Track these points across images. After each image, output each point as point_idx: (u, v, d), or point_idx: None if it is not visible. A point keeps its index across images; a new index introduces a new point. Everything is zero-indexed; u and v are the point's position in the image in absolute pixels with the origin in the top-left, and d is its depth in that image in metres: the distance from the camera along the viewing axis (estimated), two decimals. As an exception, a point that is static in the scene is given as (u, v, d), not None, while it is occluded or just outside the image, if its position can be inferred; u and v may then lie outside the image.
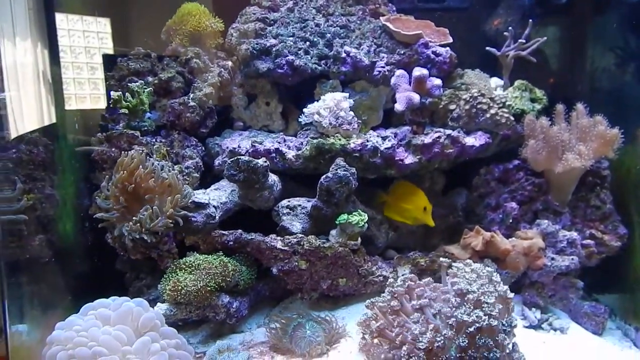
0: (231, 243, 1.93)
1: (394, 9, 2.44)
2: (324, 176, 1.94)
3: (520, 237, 2.02)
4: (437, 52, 2.23)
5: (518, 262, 1.96)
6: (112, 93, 2.08)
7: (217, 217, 1.94)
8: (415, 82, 2.09)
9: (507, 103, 2.17)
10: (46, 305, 1.82)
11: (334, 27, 2.35)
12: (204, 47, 2.38)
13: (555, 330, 1.91)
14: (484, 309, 1.38)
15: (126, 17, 2.44)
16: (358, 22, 2.39)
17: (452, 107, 2.20)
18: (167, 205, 1.73)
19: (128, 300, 1.53)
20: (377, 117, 2.33)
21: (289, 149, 2.12)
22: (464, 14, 2.46)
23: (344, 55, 2.23)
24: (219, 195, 2.02)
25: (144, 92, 2.12)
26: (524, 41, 2.21)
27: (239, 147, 2.13)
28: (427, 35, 2.25)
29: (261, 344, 1.81)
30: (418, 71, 2.08)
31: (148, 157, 1.91)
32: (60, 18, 2.14)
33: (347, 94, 2.15)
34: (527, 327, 1.92)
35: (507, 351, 1.41)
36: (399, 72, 2.14)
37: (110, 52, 2.34)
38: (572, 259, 1.97)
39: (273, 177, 2.04)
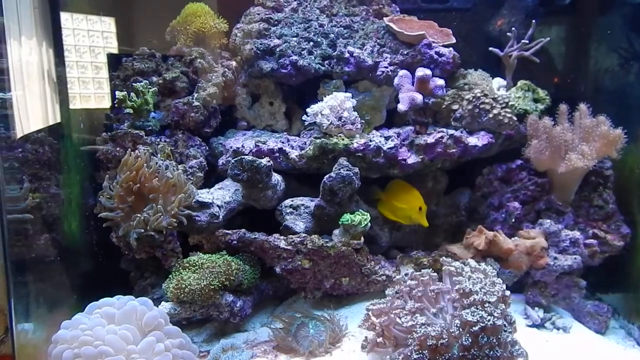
0: (235, 242, 1.93)
1: (398, 9, 2.44)
2: (327, 176, 1.94)
3: (523, 237, 2.02)
4: (440, 52, 2.23)
5: (521, 261, 1.96)
6: (117, 93, 2.09)
7: (220, 217, 1.95)
8: (418, 82, 2.09)
9: (510, 103, 2.18)
10: (52, 303, 1.82)
11: (338, 27, 2.36)
12: (208, 47, 2.39)
13: (558, 329, 1.91)
14: (486, 308, 1.38)
15: (131, 16, 2.44)
16: (361, 22, 2.39)
17: (455, 107, 2.21)
18: (172, 204, 1.74)
19: (132, 299, 1.53)
20: (380, 117, 2.33)
21: (292, 148, 2.13)
22: (467, 15, 2.45)
23: (347, 55, 2.24)
24: (222, 195, 2.03)
25: (148, 91, 2.13)
26: (527, 41, 2.21)
27: (242, 146, 2.13)
28: (430, 36, 2.25)
29: (265, 342, 1.82)
30: (421, 71, 2.09)
31: (152, 157, 1.92)
32: (65, 17, 2.15)
33: (350, 94, 2.16)
34: (530, 326, 1.93)
35: (508, 348, 1.42)
36: (402, 72, 2.14)
37: (115, 51, 2.34)
38: (575, 258, 1.97)
39: (276, 177, 2.05)
